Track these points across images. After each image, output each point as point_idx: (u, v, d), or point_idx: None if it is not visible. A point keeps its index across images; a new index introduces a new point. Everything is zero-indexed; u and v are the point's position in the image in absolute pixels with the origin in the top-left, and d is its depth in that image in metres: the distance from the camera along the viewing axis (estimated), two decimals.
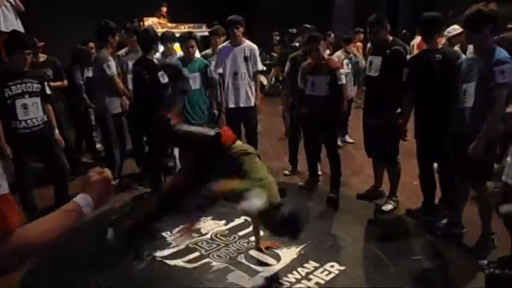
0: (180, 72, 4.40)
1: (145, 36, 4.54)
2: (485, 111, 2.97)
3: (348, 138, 6.15)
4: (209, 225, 3.77)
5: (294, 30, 6.77)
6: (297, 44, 6.29)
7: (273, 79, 10.70)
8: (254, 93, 4.85)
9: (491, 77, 2.91)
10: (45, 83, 3.78)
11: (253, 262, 3.18)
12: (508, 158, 2.78)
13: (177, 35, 5.45)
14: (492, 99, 2.93)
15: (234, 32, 4.73)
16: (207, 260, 3.24)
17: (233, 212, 3.97)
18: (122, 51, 5.09)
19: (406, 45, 4.09)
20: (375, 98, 3.89)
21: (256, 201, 2.59)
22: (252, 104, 4.84)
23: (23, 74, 3.56)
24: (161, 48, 5.32)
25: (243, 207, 2.70)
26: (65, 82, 5.07)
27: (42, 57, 4.84)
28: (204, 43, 6.24)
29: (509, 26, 5.38)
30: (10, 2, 5.71)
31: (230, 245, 3.44)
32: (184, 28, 9.42)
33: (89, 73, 5.53)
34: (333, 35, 7.95)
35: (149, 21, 9.57)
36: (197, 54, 5.04)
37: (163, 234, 3.63)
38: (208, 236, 3.60)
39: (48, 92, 3.80)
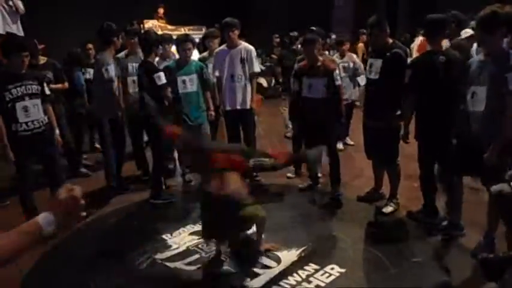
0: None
1: (146, 38, 4.54)
2: (497, 117, 2.89)
3: (348, 140, 6.14)
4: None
5: (295, 33, 6.78)
6: (299, 46, 6.29)
7: (273, 81, 10.73)
8: (251, 96, 4.83)
9: (503, 83, 2.82)
10: (44, 84, 3.79)
11: (254, 265, 3.17)
12: None
13: (176, 37, 5.45)
14: (505, 105, 2.85)
15: (229, 34, 4.73)
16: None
17: None
18: (122, 54, 5.08)
19: (406, 48, 4.09)
20: (375, 101, 3.89)
21: None
22: (248, 107, 4.83)
23: (22, 76, 3.56)
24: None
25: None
26: (66, 84, 5.07)
27: (43, 59, 4.84)
28: (204, 45, 6.24)
29: None
30: (10, 6, 5.72)
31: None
32: (184, 30, 9.44)
33: (87, 75, 5.56)
34: (334, 36, 7.93)
35: (149, 24, 9.61)
36: (195, 56, 5.05)
37: (164, 236, 3.62)
38: None
39: (48, 92, 3.80)
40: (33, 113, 3.58)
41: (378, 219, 3.95)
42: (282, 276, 3.01)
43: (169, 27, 9.85)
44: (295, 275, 3.03)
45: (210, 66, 4.98)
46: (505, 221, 2.85)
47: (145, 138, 5.08)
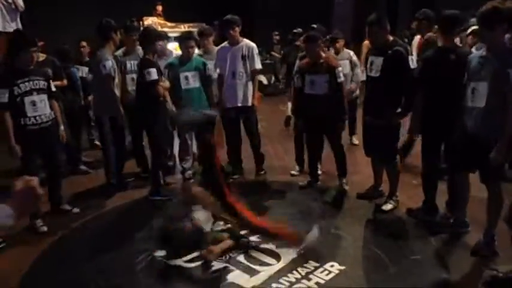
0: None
1: (145, 35, 4.54)
2: (497, 113, 2.89)
3: (354, 140, 6.02)
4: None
5: (300, 30, 6.78)
6: (298, 43, 6.25)
7: (273, 78, 10.71)
8: (252, 93, 4.83)
9: (505, 79, 2.82)
10: (50, 80, 3.87)
11: (253, 262, 3.18)
12: None
13: (176, 34, 5.45)
14: (507, 101, 2.84)
15: (229, 32, 4.73)
16: None
17: None
18: (119, 52, 5.05)
19: (407, 45, 4.08)
20: (376, 98, 3.88)
21: None
22: (250, 104, 4.83)
23: (29, 72, 3.65)
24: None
25: None
26: (65, 81, 5.06)
27: (42, 56, 4.81)
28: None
29: None
30: (9, 3, 5.70)
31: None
32: (184, 28, 9.43)
33: (79, 73, 5.59)
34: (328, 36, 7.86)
35: (149, 21, 9.58)
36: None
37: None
38: None
39: (53, 89, 3.89)
40: (40, 107, 3.66)
41: (378, 216, 3.95)
42: (281, 274, 3.02)
43: (169, 24, 9.83)
44: (294, 272, 3.03)
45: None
46: None
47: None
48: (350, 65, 5.75)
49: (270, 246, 3.38)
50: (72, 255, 3.39)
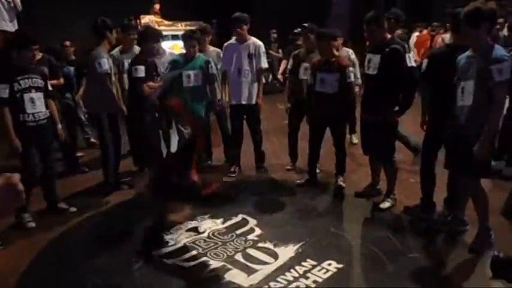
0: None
1: (143, 34, 4.56)
2: (484, 110, 2.96)
3: (354, 139, 6.00)
4: (207, 224, 3.76)
5: (301, 30, 6.82)
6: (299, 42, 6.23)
7: (270, 77, 10.69)
8: (257, 91, 4.85)
9: (489, 76, 2.89)
10: (47, 80, 3.92)
11: (251, 260, 3.18)
12: None
13: (173, 33, 5.44)
14: (491, 97, 2.92)
15: (237, 30, 4.75)
16: (204, 258, 3.23)
17: (230, 211, 3.99)
18: (116, 50, 5.04)
19: (405, 43, 4.08)
20: (373, 96, 3.88)
21: None
22: (254, 102, 4.85)
23: (28, 70, 3.71)
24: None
25: None
26: (61, 80, 5.04)
27: (38, 55, 4.80)
28: None
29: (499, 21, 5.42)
30: (9, 2, 5.67)
31: (227, 244, 3.43)
32: (181, 26, 9.39)
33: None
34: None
35: (146, 19, 9.54)
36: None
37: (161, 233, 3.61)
38: (205, 234, 3.59)
39: (50, 88, 3.94)
40: (38, 105, 3.73)
41: (375, 215, 3.95)
42: (279, 272, 3.01)
43: (166, 22, 9.79)
44: (292, 270, 3.03)
45: None
46: None
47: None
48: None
49: (268, 244, 3.38)
50: (70, 254, 3.37)
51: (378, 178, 4.27)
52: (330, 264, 3.09)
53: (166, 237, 3.54)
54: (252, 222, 3.77)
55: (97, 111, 4.57)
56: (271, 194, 4.47)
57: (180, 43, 5.08)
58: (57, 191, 4.12)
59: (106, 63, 4.34)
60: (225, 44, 4.99)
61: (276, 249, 3.30)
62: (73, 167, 5.18)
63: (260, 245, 3.39)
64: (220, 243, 3.45)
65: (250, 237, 3.52)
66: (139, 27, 7.67)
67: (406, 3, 12.21)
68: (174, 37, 8.92)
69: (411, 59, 3.77)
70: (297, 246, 3.34)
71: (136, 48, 4.90)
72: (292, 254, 3.23)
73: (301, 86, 4.80)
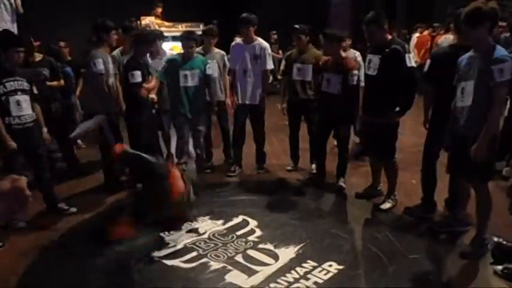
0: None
1: (138, 38, 4.59)
2: (483, 110, 2.94)
3: (356, 139, 5.92)
4: (207, 225, 3.75)
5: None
6: None
7: (271, 78, 10.68)
8: (261, 92, 4.87)
9: (489, 76, 2.88)
10: (32, 83, 3.88)
11: (251, 262, 3.17)
12: None
13: (173, 34, 5.46)
14: (491, 98, 2.91)
15: (244, 30, 4.79)
16: (204, 259, 3.22)
17: (231, 212, 3.98)
18: (117, 51, 5.04)
19: (405, 44, 4.07)
20: (374, 97, 3.87)
21: None
22: (258, 103, 4.87)
23: (14, 73, 3.68)
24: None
25: None
26: (62, 82, 5.04)
27: (39, 56, 4.80)
28: (202, 42, 6.24)
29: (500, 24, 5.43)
30: (11, 3, 5.67)
31: (228, 245, 3.42)
32: (181, 27, 9.39)
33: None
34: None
35: (146, 21, 9.53)
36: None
37: (161, 234, 3.60)
38: (206, 235, 3.59)
39: (35, 91, 3.90)
40: (24, 108, 3.69)
41: (376, 215, 3.94)
42: (279, 273, 3.00)
43: (166, 24, 9.78)
44: (293, 272, 3.02)
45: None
46: None
47: None
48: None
49: (268, 245, 3.38)
50: (70, 255, 3.37)
51: (379, 179, 4.27)
52: (330, 266, 3.08)
53: (167, 239, 3.53)
54: (253, 223, 3.77)
55: (93, 112, 4.57)
56: (271, 195, 4.46)
57: (179, 44, 5.07)
58: (57, 191, 4.11)
59: (101, 64, 4.34)
60: (232, 44, 5.03)
61: (277, 251, 3.30)
62: (73, 168, 5.17)
63: (260, 246, 3.39)
64: (220, 244, 3.44)
65: (250, 238, 3.52)
66: (140, 28, 7.67)
67: (407, 4, 12.24)
68: (175, 38, 8.92)
69: (411, 60, 3.77)
70: (298, 247, 3.33)
71: None
72: (293, 255, 3.23)
73: (295, 86, 4.81)
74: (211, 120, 5.31)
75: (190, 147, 5.09)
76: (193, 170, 5.11)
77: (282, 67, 5.15)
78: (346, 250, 3.36)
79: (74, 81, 5.61)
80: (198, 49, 5.25)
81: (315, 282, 2.90)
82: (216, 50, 5.17)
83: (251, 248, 3.36)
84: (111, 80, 4.47)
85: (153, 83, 4.62)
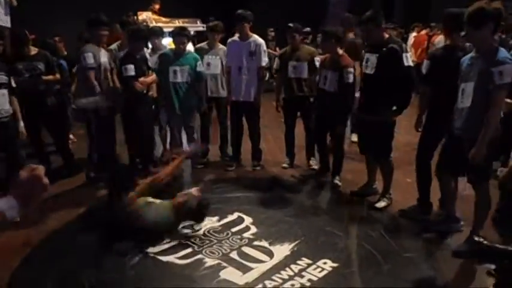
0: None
1: (134, 34, 4.59)
2: (482, 113, 2.92)
3: (353, 137, 5.89)
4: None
5: (308, 29, 6.88)
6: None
7: (267, 75, 10.68)
8: (256, 89, 4.86)
9: (489, 78, 2.85)
10: (11, 76, 3.88)
11: (246, 259, 3.17)
12: None
13: (171, 29, 5.47)
14: (491, 100, 2.88)
15: (238, 27, 4.79)
16: (199, 256, 3.22)
17: (226, 209, 3.98)
18: (115, 45, 5.04)
19: (403, 42, 4.08)
20: (371, 95, 3.88)
21: None
22: (252, 99, 4.86)
23: None
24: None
25: None
26: (58, 76, 5.00)
27: (34, 50, 4.75)
28: (199, 38, 6.23)
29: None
30: None
31: (223, 242, 3.42)
32: (178, 23, 9.34)
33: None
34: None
35: (143, 16, 9.48)
36: (190, 48, 5.07)
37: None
38: (201, 232, 3.58)
39: (13, 85, 3.89)
40: (2, 102, 3.69)
41: (371, 214, 3.95)
42: (274, 270, 3.01)
43: (163, 19, 9.74)
44: (287, 269, 3.02)
45: (206, 58, 5.01)
46: None
47: None
48: None
49: (263, 243, 3.38)
50: (63, 251, 3.34)
51: (374, 177, 4.28)
52: (325, 263, 3.09)
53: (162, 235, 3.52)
54: (248, 220, 3.77)
55: (84, 107, 4.58)
56: (267, 192, 4.46)
57: None
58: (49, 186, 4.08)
59: (91, 58, 4.34)
60: (228, 41, 5.02)
61: (272, 248, 3.30)
62: (68, 163, 5.13)
63: (255, 243, 3.39)
64: (215, 241, 3.44)
65: (245, 235, 3.51)
66: (137, 23, 7.63)
67: (404, 4, 12.25)
68: (171, 34, 8.88)
69: (408, 59, 3.77)
70: (293, 244, 3.34)
71: None
72: (288, 253, 3.23)
73: (291, 84, 4.82)
74: (211, 117, 5.30)
75: (185, 143, 5.08)
76: (188, 166, 5.10)
77: (275, 66, 5.15)
78: (340, 248, 3.36)
79: (68, 75, 5.57)
80: (203, 44, 5.26)
81: (310, 280, 2.91)
82: (220, 46, 5.16)
83: (246, 245, 3.36)
84: (104, 75, 4.47)
85: (150, 78, 4.62)
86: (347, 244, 3.44)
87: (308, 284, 2.87)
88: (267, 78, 10.62)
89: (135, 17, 8.93)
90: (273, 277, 2.93)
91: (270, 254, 3.22)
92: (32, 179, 1.13)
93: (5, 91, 3.68)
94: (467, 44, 3.45)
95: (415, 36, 10.34)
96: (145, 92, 4.62)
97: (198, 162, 5.15)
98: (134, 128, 4.63)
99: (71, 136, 5.64)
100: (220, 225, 3.70)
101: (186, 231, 3.58)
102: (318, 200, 4.31)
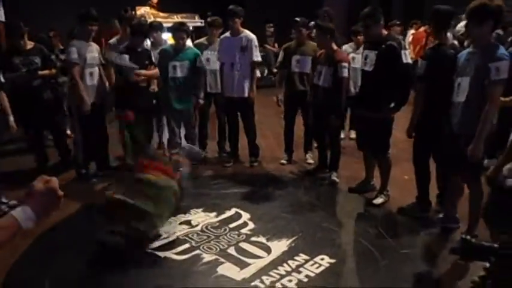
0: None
1: (135, 27, 4.60)
2: (477, 108, 2.94)
3: (352, 134, 5.86)
4: (200, 217, 3.75)
5: (313, 23, 6.85)
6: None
7: (266, 71, 10.67)
8: (249, 85, 4.86)
9: (486, 73, 2.87)
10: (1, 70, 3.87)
11: (244, 254, 3.18)
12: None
13: (169, 25, 5.47)
14: (487, 96, 2.90)
15: (230, 23, 4.77)
16: (197, 251, 3.22)
17: (224, 204, 3.98)
18: (113, 40, 5.04)
19: (401, 40, 4.07)
20: (369, 92, 3.87)
21: None
22: (246, 95, 4.85)
23: None
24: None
25: None
26: (53, 70, 4.97)
27: (30, 44, 4.71)
28: (197, 33, 6.22)
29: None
30: None
31: (220, 237, 3.43)
32: (176, 18, 9.30)
33: None
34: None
35: (141, 11, 9.44)
36: (189, 43, 5.06)
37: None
38: (198, 227, 3.58)
39: (2, 80, 3.86)
40: None
41: (369, 210, 3.96)
42: (271, 266, 3.01)
43: (162, 14, 9.70)
44: (285, 265, 3.03)
45: (206, 53, 5.01)
46: None
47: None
48: None
49: (261, 238, 3.38)
50: (61, 247, 3.32)
51: (372, 174, 4.28)
52: (322, 259, 3.09)
53: (160, 230, 3.52)
54: (246, 216, 3.77)
55: (71, 102, 4.59)
56: (264, 188, 4.46)
57: None
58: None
59: (74, 53, 4.34)
60: (220, 38, 5.00)
61: (269, 244, 3.30)
62: (65, 158, 5.11)
63: (253, 239, 3.39)
64: (213, 236, 3.44)
65: (243, 231, 3.52)
66: (136, 18, 7.60)
67: (403, 1, 12.22)
68: (170, 29, 8.85)
69: (407, 56, 3.76)
70: (290, 240, 3.34)
71: None
72: (285, 249, 3.24)
73: (293, 78, 4.82)
74: (209, 112, 5.30)
75: (183, 139, 5.07)
76: (186, 163, 5.09)
77: (279, 59, 5.13)
78: (338, 244, 3.38)
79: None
80: (202, 40, 5.25)
81: (307, 276, 2.91)
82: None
83: (243, 240, 3.37)
84: (91, 70, 4.47)
85: (150, 72, 4.62)
86: (344, 240, 3.45)
87: (305, 279, 2.88)
88: (265, 74, 10.63)
89: (133, 12, 8.88)
90: (271, 273, 2.94)
91: (268, 250, 3.22)
92: (47, 191, 1.13)
93: None
94: (455, 42, 3.45)
95: (413, 33, 10.32)
96: (145, 85, 4.63)
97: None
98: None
99: (68, 132, 5.61)
100: (217, 221, 3.70)
101: (183, 226, 3.59)
102: (316, 196, 4.31)
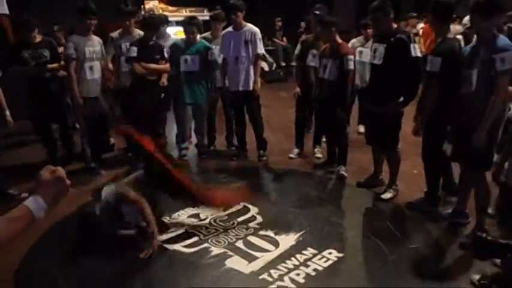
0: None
1: (148, 21, 4.68)
2: (486, 100, 2.93)
3: (360, 128, 5.81)
4: (208, 211, 3.76)
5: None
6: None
7: (274, 65, 10.65)
8: (254, 78, 4.85)
9: (492, 65, 2.87)
10: None
11: (252, 248, 3.19)
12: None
13: (177, 19, 5.50)
14: (494, 87, 2.90)
15: (232, 17, 4.76)
16: (205, 245, 3.24)
17: None
18: (116, 33, 5.06)
19: (410, 33, 4.02)
20: (378, 86, 3.84)
21: None
22: (251, 88, 4.84)
23: None
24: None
25: None
26: (62, 63, 5.00)
27: (39, 37, 4.74)
28: (205, 27, 6.20)
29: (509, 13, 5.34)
30: None
31: (229, 231, 3.44)
32: (185, 12, 9.32)
33: None
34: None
35: (150, 5, 9.47)
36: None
37: (162, 218, 3.60)
38: (207, 221, 3.60)
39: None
40: None
41: (377, 205, 3.95)
42: (279, 260, 3.02)
43: (170, 8, 9.72)
44: (293, 258, 3.03)
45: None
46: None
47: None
48: None
49: (269, 232, 3.39)
50: (67, 241, 3.32)
51: (381, 168, 4.26)
52: (330, 253, 3.09)
53: (169, 223, 3.54)
54: (254, 210, 3.78)
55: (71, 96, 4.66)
56: (272, 182, 4.47)
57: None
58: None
59: (71, 48, 4.39)
60: (223, 32, 5.00)
61: (277, 237, 3.31)
62: (70, 153, 5.13)
63: (261, 232, 3.40)
64: (221, 230, 3.46)
65: (251, 224, 3.53)
66: (143, 12, 7.63)
67: None
68: (179, 23, 8.86)
69: (416, 49, 3.71)
70: (298, 234, 3.35)
71: (136, 32, 4.94)
72: (293, 242, 3.24)
73: (309, 72, 4.84)
74: (216, 106, 5.31)
75: (192, 133, 5.10)
76: (194, 155, 5.11)
77: (296, 51, 5.14)
78: (346, 238, 3.37)
79: None
80: (207, 34, 5.25)
81: (315, 269, 2.91)
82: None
83: (252, 234, 3.38)
84: (91, 64, 4.50)
85: (160, 66, 4.64)
86: (352, 235, 3.44)
87: (313, 273, 2.88)
88: (273, 68, 10.61)
89: (142, 6, 8.90)
90: (278, 266, 2.95)
91: (276, 244, 3.23)
92: (55, 179, 1.14)
93: None
94: (459, 37, 3.41)
95: (423, 27, 10.20)
96: (155, 78, 4.65)
97: (204, 152, 5.17)
98: (136, 115, 4.64)
99: (77, 125, 5.65)
100: (226, 215, 3.71)
101: (192, 220, 3.60)
102: (324, 190, 4.31)
